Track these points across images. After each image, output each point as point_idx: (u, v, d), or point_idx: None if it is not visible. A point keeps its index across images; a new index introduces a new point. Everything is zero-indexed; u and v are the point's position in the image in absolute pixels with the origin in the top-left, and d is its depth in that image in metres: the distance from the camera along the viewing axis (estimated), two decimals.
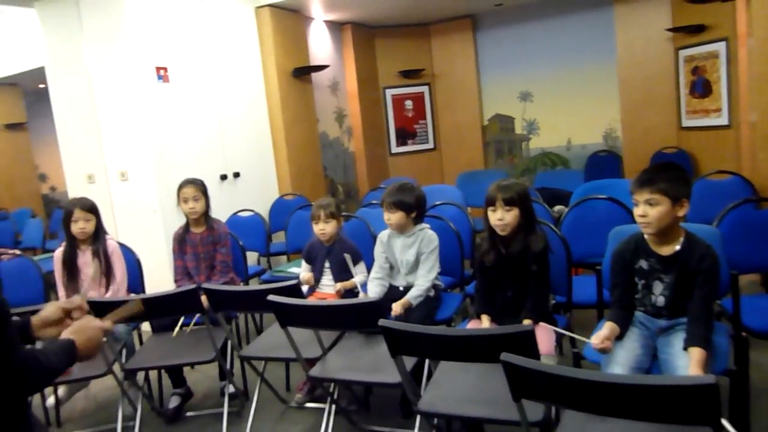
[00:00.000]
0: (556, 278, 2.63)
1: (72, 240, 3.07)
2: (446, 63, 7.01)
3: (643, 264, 2.05)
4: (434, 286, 2.83)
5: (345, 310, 2.11)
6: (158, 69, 4.26)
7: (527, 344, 1.56)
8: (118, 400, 2.86)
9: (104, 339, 1.43)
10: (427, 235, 2.84)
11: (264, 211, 4.91)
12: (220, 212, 4.01)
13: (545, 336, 2.17)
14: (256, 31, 5.23)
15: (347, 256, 3.02)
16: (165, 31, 4.35)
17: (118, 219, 4.36)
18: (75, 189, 4.62)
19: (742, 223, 2.72)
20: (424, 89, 7.08)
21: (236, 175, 4.90)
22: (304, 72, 5.56)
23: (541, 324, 2.25)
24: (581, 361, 2.27)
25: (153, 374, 3.26)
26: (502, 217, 2.40)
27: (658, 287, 2.03)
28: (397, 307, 2.63)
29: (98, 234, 3.12)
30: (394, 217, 2.81)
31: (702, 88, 5.53)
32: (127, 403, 2.84)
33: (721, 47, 5.20)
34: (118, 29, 4.14)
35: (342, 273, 3.06)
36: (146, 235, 4.20)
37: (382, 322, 1.77)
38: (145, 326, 3.49)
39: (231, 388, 2.96)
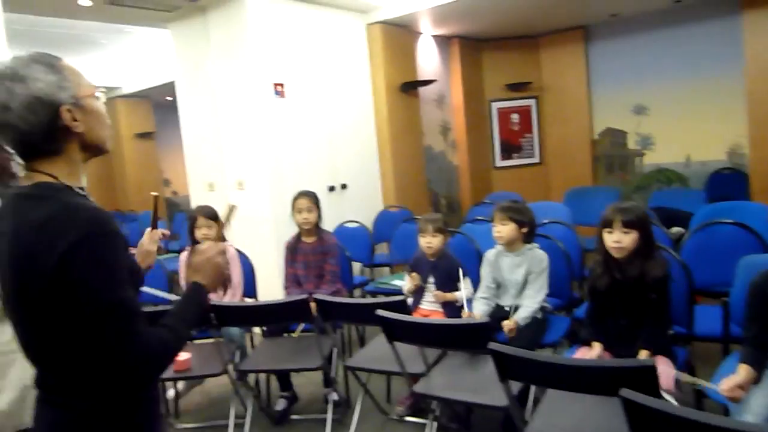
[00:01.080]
0: (676, 307, 2.48)
1: (196, 244, 3.31)
2: (555, 75, 6.83)
3: None
4: (542, 308, 2.77)
5: (453, 330, 2.12)
6: (275, 85, 4.50)
7: (648, 380, 1.49)
8: (230, 398, 3.03)
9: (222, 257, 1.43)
10: (537, 255, 2.78)
11: (368, 222, 5.02)
12: (327, 222, 4.15)
13: (666, 370, 2.05)
14: (366, 46, 5.38)
15: (459, 269, 3.00)
16: (283, 48, 4.58)
17: (234, 226, 4.62)
18: (197, 195, 4.98)
19: None
20: (531, 102, 6.94)
21: (344, 186, 5.06)
22: (411, 86, 5.64)
23: (660, 358, 2.13)
24: (703, 399, 2.13)
25: (262, 376, 3.42)
26: (619, 240, 2.31)
27: None
28: (509, 325, 2.61)
29: (219, 240, 3.35)
30: (505, 229, 2.78)
31: None
32: (238, 402, 3.00)
33: None
34: (241, 47, 4.43)
35: (446, 289, 3.06)
36: (260, 242, 4.43)
37: (492, 345, 1.76)
38: (257, 330, 3.67)
39: (335, 396, 3.04)
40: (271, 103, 4.48)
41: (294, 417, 3.19)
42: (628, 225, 2.28)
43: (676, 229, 4.25)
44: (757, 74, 5.60)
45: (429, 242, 3.08)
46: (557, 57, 6.80)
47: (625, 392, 1.29)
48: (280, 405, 3.18)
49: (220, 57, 4.61)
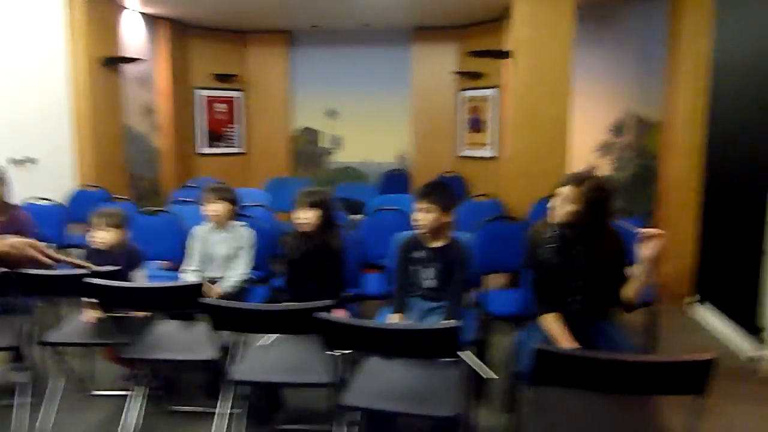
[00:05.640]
0: (351, 274, 3.11)
1: None
2: (260, 72, 7.29)
3: (417, 254, 2.63)
4: (246, 279, 3.13)
5: (166, 291, 2.32)
6: None
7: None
8: None
9: (35, 256, 1.51)
10: (243, 232, 3.15)
11: (61, 200, 4.68)
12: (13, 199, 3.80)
13: (343, 317, 2.63)
14: (63, 13, 4.98)
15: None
16: None
17: None
18: None
19: (493, 234, 3.49)
20: (238, 94, 7.27)
21: (31, 160, 4.62)
22: (113, 62, 5.42)
23: (339, 310, 2.70)
24: None
25: None
26: (304, 217, 2.82)
27: (427, 273, 2.62)
28: (216, 292, 2.89)
29: None
30: (218, 207, 3.08)
31: (476, 124, 6.62)
32: None
33: (492, 93, 6.31)
34: None
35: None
36: None
37: (205, 300, 2.05)
38: None
39: (23, 377, 2.89)
40: None
41: None
42: (311, 204, 2.82)
43: (356, 216, 5.08)
44: (419, 96, 6.97)
45: (101, 237, 2.97)
46: (263, 55, 7.27)
47: (320, 314, 1.78)
48: None
49: None
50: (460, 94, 6.79)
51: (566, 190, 2.26)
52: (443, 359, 2.21)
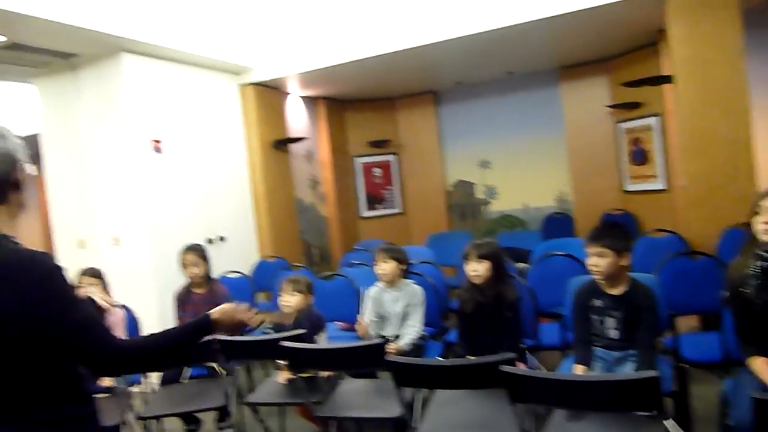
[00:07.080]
0: (525, 324, 3.03)
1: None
2: (411, 134, 7.60)
3: (597, 302, 2.48)
4: (420, 335, 3.19)
5: (351, 351, 2.44)
6: (153, 141, 4.62)
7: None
8: None
9: (243, 318, 1.66)
10: (414, 289, 3.23)
11: (246, 272, 5.19)
12: None
13: (525, 371, 2.55)
14: (240, 105, 5.68)
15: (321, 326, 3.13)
16: (160, 105, 4.73)
17: (111, 282, 4.56)
18: (64, 253, 4.84)
19: (678, 272, 3.21)
20: (392, 157, 7.62)
21: (222, 238, 5.21)
22: (283, 143, 6.00)
23: (519, 364, 2.62)
24: None
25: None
26: (475, 269, 2.82)
27: (610, 322, 2.46)
28: (394, 349, 2.98)
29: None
30: (388, 266, 3.21)
31: (641, 156, 6.22)
32: None
33: (654, 121, 5.92)
34: (118, 105, 4.51)
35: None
36: (140, 297, 4.41)
37: (390, 357, 2.12)
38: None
39: None
40: (149, 159, 4.58)
41: None
42: (481, 256, 2.81)
43: (520, 265, 4.97)
44: (574, 134, 6.75)
45: (287, 301, 3.15)
46: (412, 117, 7.59)
47: (505, 368, 1.74)
48: None
49: (92, 112, 4.64)
50: (617, 126, 6.47)
51: None
52: (639, 413, 2.04)
